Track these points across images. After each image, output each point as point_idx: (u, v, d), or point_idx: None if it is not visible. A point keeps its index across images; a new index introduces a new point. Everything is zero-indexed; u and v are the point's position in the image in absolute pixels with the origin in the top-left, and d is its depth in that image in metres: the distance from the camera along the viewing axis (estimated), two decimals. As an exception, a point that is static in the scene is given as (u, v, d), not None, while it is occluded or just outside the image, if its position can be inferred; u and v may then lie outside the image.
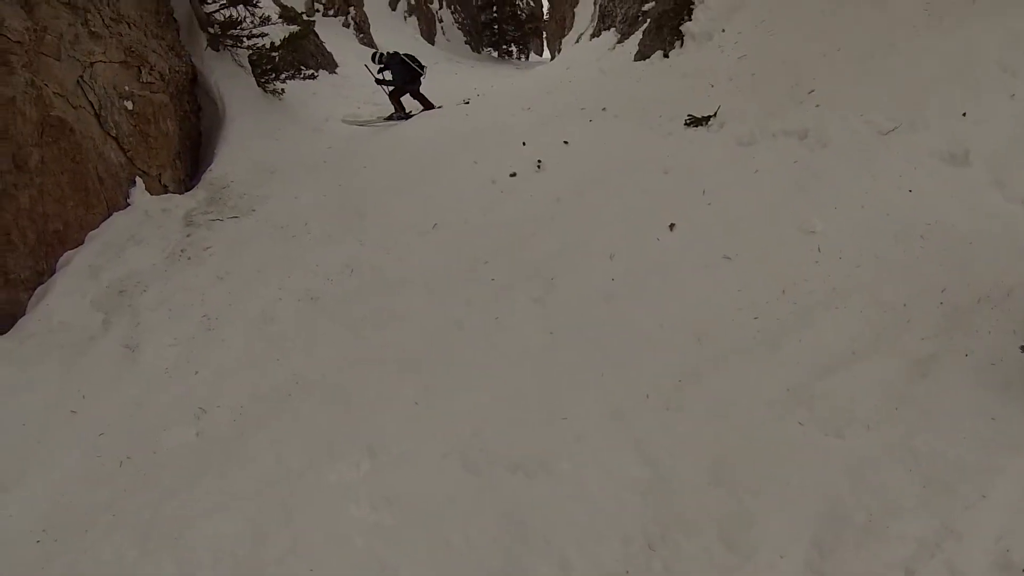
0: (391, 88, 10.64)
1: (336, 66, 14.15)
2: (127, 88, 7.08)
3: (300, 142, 8.77)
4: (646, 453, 3.62)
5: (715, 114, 6.61)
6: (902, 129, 5.08)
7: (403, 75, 10.55)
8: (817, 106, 5.88)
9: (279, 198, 7.37)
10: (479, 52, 33.07)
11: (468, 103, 11.02)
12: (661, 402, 3.90)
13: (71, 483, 4.16)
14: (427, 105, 10.77)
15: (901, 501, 2.93)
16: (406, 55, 10.69)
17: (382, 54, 10.73)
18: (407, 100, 10.82)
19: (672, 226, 5.33)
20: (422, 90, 10.86)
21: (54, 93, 5.91)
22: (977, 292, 3.78)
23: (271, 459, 4.17)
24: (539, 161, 7.16)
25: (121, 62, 7.07)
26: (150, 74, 7.53)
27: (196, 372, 4.97)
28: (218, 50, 9.57)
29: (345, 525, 3.65)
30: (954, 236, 4.18)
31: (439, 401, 4.40)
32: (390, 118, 10.42)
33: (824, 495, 3.08)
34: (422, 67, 10.71)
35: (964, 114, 4.84)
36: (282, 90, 10.04)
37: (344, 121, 10.23)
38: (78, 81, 6.31)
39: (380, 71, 10.71)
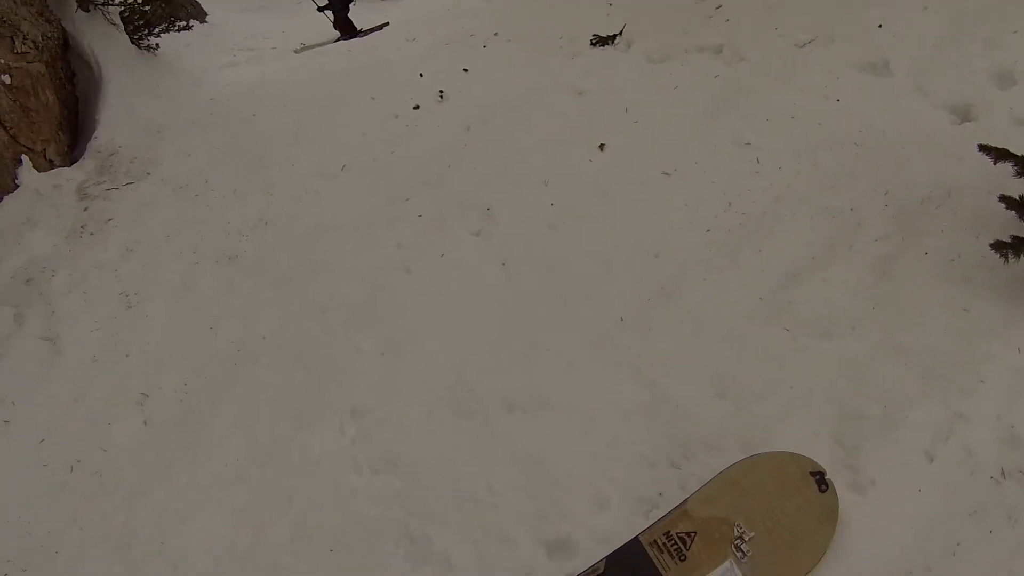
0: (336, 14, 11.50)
1: (206, 15, 12.98)
2: (2, 61, 6.28)
3: (182, 96, 7.87)
4: (641, 375, 3.50)
5: (620, 32, 6.46)
6: (819, 41, 5.17)
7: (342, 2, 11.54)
8: (727, 21, 5.89)
9: (172, 157, 6.63)
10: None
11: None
12: (638, 323, 3.79)
13: (22, 503, 3.58)
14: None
15: (906, 394, 3.00)
16: None
17: None
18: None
19: (602, 146, 5.17)
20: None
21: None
22: (918, 194, 3.88)
23: (240, 439, 3.73)
24: (440, 91, 6.69)
25: (-8, 33, 6.21)
26: (24, 43, 6.65)
27: (127, 355, 4.42)
28: (88, 10, 8.38)
29: (351, 496, 3.32)
30: (886, 142, 4.29)
31: (406, 350, 4.06)
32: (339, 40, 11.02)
33: (830, 395, 3.11)
34: None
35: (880, 26, 5.01)
36: (156, 45, 9.01)
37: (296, 52, 10.53)
38: (-49, 57, 5.40)
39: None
